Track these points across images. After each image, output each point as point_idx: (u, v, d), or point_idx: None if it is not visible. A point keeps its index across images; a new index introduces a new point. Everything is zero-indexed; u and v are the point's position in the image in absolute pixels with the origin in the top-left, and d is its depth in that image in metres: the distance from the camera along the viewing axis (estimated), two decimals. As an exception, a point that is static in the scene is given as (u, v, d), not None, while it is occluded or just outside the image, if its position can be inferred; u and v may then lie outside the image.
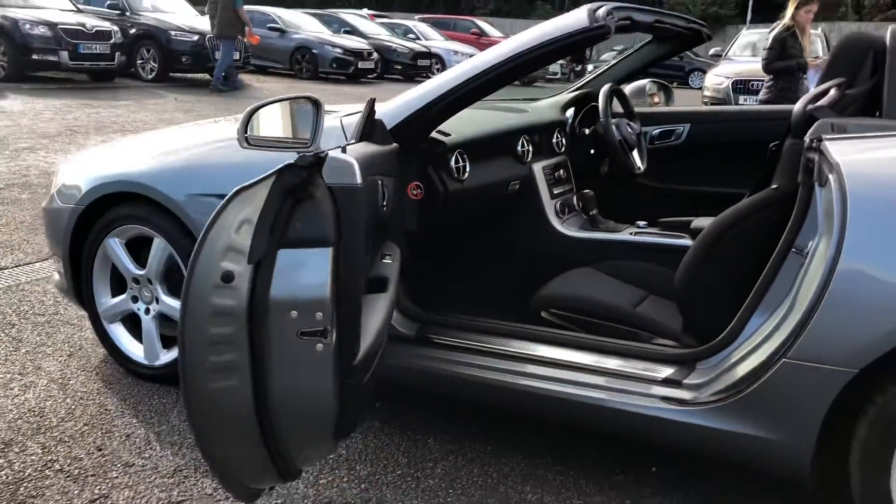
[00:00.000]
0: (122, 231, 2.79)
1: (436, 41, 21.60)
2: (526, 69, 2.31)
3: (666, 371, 2.08)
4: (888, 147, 1.83)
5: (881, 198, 1.71)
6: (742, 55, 12.91)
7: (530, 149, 3.04)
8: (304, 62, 16.73)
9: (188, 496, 2.12)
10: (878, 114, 2.03)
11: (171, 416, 2.59)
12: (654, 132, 3.50)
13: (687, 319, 2.28)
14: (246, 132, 2.04)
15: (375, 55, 17.82)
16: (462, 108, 2.36)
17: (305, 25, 17.72)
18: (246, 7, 13.14)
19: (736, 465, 2.07)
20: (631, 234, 2.95)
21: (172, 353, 2.80)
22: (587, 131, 3.31)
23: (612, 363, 2.16)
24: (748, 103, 11.67)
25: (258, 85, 14.34)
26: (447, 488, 2.18)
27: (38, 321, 3.36)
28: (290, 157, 1.70)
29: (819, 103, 2.01)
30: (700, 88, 25.25)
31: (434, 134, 2.53)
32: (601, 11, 2.21)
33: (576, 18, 2.21)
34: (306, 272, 1.57)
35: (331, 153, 1.72)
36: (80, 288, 2.95)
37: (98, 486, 2.16)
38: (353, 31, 18.63)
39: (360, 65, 17.30)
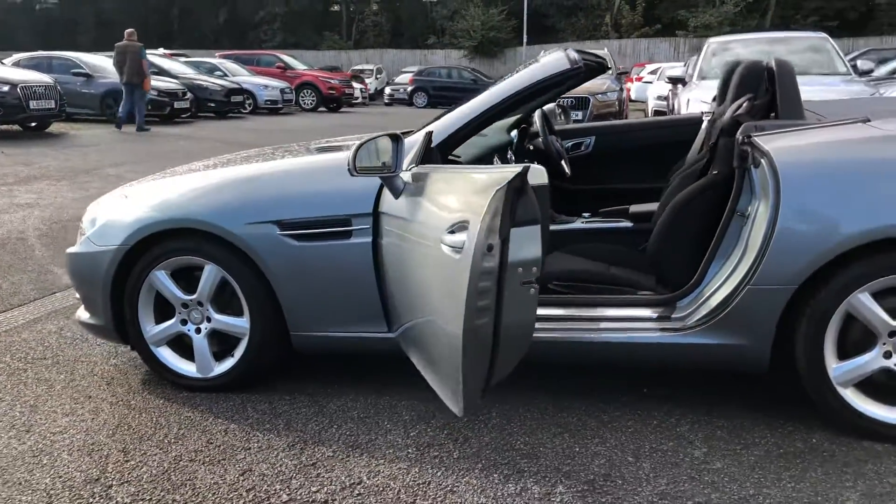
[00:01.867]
0: (168, 263, 3.18)
1: (244, 77, 21.80)
2: (519, 105, 3.04)
3: (656, 312, 2.89)
4: (795, 137, 2.74)
5: (801, 172, 2.61)
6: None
7: (499, 163, 3.78)
8: (116, 106, 16.36)
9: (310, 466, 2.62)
10: (774, 116, 2.97)
11: (248, 409, 3.03)
12: (567, 144, 4.36)
13: (660, 274, 3.11)
14: (355, 164, 2.64)
15: (189, 94, 17.77)
16: (480, 130, 3.04)
17: (111, 68, 17.31)
18: (45, 53, 13.03)
19: (718, 370, 2.91)
20: (582, 223, 3.77)
21: (225, 365, 3.22)
22: (531, 147, 4.10)
23: (614, 312, 2.94)
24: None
25: (75, 132, 13.97)
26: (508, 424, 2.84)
27: (47, 363, 3.59)
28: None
29: (739, 112, 2.91)
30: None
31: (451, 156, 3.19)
32: (574, 56, 2.99)
33: (557, 62, 2.97)
34: (527, 242, 2.19)
35: (532, 166, 2.30)
36: (119, 322, 3.29)
37: (237, 464, 2.59)
38: (161, 71, 18.41)
39: (176, 104, 17.21)
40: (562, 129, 4.41)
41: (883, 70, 12.73)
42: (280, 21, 46.77)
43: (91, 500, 2.41)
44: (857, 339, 2.61)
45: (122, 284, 3.24)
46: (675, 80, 8.76)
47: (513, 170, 2.15)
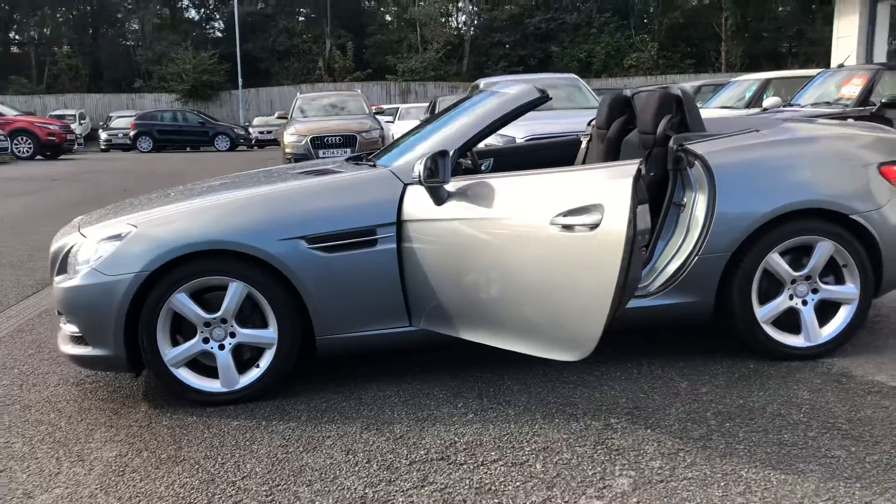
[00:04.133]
0: (190, 286, 3.33)
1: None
2: (495, 130, 3.66)
3: None
4: (714, 144, 3.65)
5: (728, 169, 3.54)
6: (313, 116, 14.97)
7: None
8: None
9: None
10: (683, 130, 3.90)
11: (291, 412, 3.28)
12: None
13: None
14: (423, 177, 3.12)
15: None
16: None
17: None
18: None
19: (675, 325, 3.77)
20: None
21: (250, 376, 3.43)
22: (463, 165, 4.69)
23: None
24: (326, 156, 13.74)
25: None
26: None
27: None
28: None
29: (662, 128, 3.79)
30: (228, 150, 26.93)
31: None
32: (539, 88, 3.69)
33: (529, 91, 3.64)
34: (643, 216, 2.85)
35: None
36: (130, 350, 3.36)
37: (341, 447, 2.89)
38: None
39: None
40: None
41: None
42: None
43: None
44: (771, 288, 3.60)
45: (136, 311, 3.32)
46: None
47: (632, 164, 2.81)
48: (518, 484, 2.59)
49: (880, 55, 12.84)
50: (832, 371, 3.48)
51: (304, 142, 13.79)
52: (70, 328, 3.46)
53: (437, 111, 14.45)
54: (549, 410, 3.17)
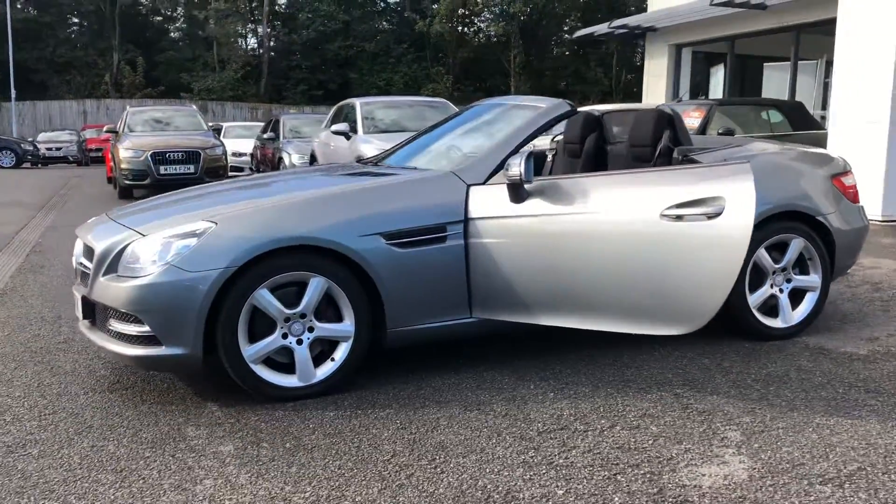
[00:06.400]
0: (272, 281, 3.36)
1: None
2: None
3: None
4: (715, 155, 4.22)
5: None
6: (148, 131, 14.25)
7: None
8: None
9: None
10: (678, 143, 4.47)
11: (371, 408, 3.39)
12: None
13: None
14: (520, 176, 3.42)
15: None
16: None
17: None
18: None
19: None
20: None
21: (325, 370, 3.49)
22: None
23: None
24: (168, 172, 13.21)
25: None
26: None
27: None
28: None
29: (665, 141, 4.33)
30: (13, 167, 24.65)
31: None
32: (569, 101, 4.10)
33: (558, 105, 4.04)
34: None
35: None
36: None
37: (450, 429, 3.07)
38: None
39: None
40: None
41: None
42: None
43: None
44: (755, 278, 4.24)
45: (215, 309, 3.30)
46: (340, 133, 10.00)
47: (741, 164, 3.28)
48: (649, 441, 2.95)
49: (685, 90, 14.65)
50: (810, 346, 4.18)
51: (143, 157, 13.13)
52: (134, 328, 3.34)
53: (280, 128, 14.48)
54: (617, 387, 3.56)
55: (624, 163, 4.63)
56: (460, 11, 39.49)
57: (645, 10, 16.23)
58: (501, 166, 3.73)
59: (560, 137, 5.27)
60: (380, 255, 3.49)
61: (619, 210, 3.51)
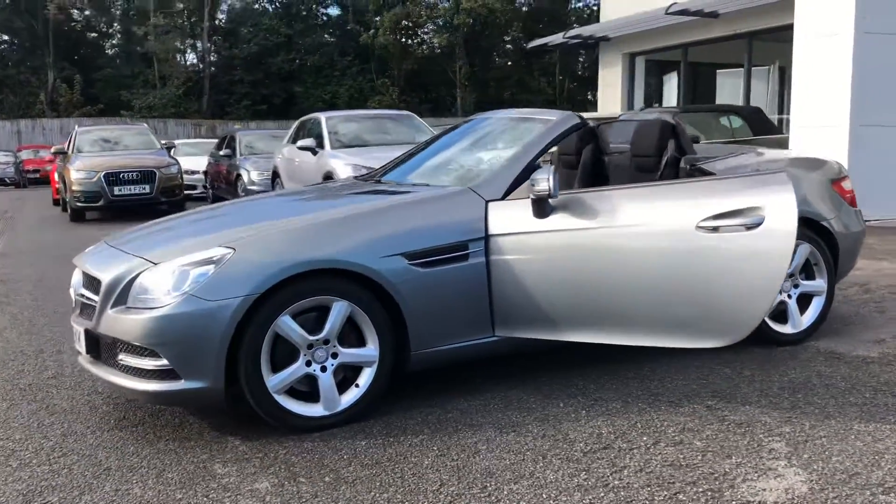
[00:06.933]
0: (295, 307, 3.22)
1: None
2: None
3: None
4: (722, 164, 4.22)
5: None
6: (98, 151, 13.80)
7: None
8: None
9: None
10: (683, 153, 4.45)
11: (407, 432, 3.28)
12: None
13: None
14: (550, 191, 3.34)
15: None
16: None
17: None
18: None
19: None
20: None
21: (349, 397, 3.36)
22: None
23: None
24: (122, 193, 12.83)
25: None
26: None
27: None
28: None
29: (671, 150, 4.32)
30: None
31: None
32: (579, 114, 4.05)
33: (568, 117, 3.99)
34: None
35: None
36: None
37: (518, 440, 2.98)
38: None
39: None
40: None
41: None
42: None
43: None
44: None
45: (236, 338, 3.15)
46: (307, 149, 9.82)
47: (779, 174, 3.25)
48: (698, 456, 2.90)
49: (639, 99, 14.86)
50: (822, 351, 4.20)
51: (95, 178, 12.74)
52: (149, 362, 3.16)
53: (236, 144, 14.17)
54: (647, 402, 3.51)
55: (627, 173, 4.61)
56: (404, 23, 39.44)
57: (588, 18, 16.46)
58: (520, 181, 3.66)
59: (554, 149, 5.23)
60: (402, 276, 3.38)
61: (652, 223, 3.47)
